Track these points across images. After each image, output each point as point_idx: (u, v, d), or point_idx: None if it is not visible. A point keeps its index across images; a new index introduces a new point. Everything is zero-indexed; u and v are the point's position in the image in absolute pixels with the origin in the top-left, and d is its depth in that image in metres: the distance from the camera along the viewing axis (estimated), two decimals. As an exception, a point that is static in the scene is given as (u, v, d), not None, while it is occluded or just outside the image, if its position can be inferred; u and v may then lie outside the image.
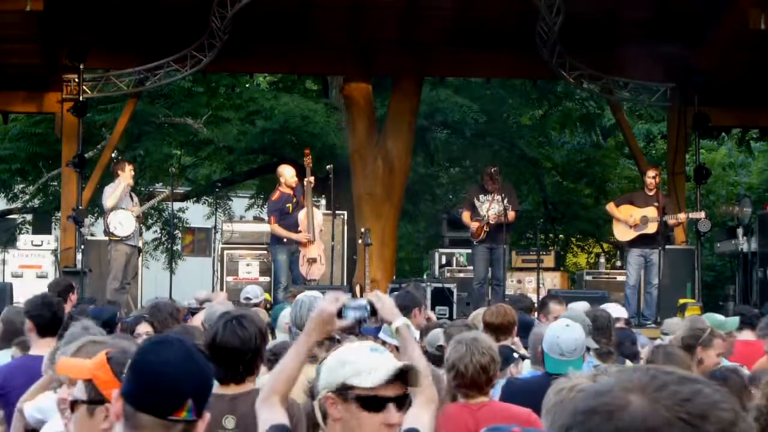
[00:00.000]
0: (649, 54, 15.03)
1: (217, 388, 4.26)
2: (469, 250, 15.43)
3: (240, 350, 4.22)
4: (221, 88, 20.65)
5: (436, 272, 16.19)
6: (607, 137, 24.64)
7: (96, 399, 2.69)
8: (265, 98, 20.47)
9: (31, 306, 6.25)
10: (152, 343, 2.57)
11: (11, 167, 20.30)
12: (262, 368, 4.66)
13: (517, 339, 6.88)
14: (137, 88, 14.99)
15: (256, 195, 23.83)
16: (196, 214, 22.84)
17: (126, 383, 2.44)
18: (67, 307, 9.13)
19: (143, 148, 20.50)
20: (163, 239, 22.64)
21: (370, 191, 15.89)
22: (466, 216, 13.91)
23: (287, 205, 13.64)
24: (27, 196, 21.68)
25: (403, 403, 2.91)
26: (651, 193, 13.54)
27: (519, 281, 15.39)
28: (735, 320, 7.91)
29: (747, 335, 8.15)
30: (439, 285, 13.72)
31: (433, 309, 12.82)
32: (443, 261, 16.35)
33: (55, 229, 17.92)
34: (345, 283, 14.50)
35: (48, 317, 6.13)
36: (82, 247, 13.45)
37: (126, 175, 13.45)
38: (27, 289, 13.43)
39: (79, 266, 13.40)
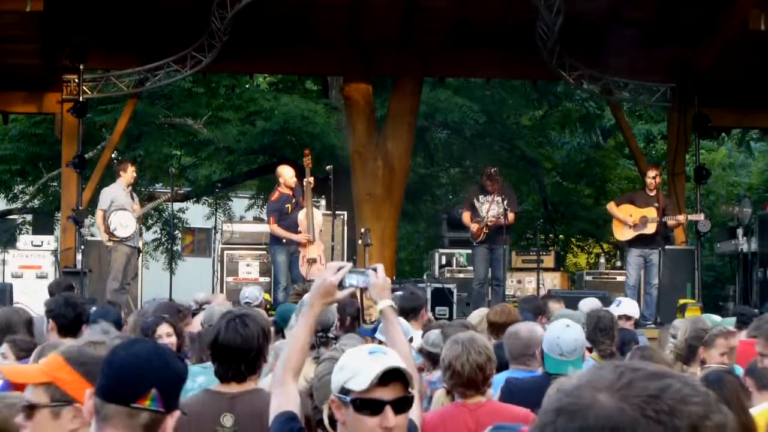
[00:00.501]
0: (649, 54, 15.05)
1: (218, 386, 4.27)
2: (469, 251, 15.44)
3: (242, 349, 4.23)
4: (221, 88, 20.66)
5: (436, 272, 16.20)
6: (607, 138, 24.65)
7: (62, 400, 2.66)
8: (265, 99, 20.47)
9: (54, 305, 6.22)
10: (125, 342, 2.64)
11: (11, 168, 20.30)
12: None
13: None
14: (137, 89, 14.99)
15: (256, 195, 23.84)
16: (196, 214, 22.85)
17: (99, 380, 2.51)
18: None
19: (143, 149, 20.50)
20: (163, 240, 22.64)
21: (370, 191, 15.89)
22: (466, 217, 13.91)
23: (286, 206, 13.63)
24: (27, 197, 21.69)
25: (402, 405, 2.89)
26: (652, 194, 13.54)
27: (519, 281, 15.41)
28: (731, 321, 7.91)
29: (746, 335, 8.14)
30: (439, 285, 13.73)
31: (432, 309, 12.85)
32: (443, 261, 16.36)
33: (56, 229, 17.92)
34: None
35: (72, 317, 6.11)
36: (82, 247, 13.45)
37: (126, 178, 13.46)
38: (27, 289, 13.47)
39: (79, 267, 13.41)
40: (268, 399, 3.68)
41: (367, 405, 2.85)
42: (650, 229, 13.36)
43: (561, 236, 24.92)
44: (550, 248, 18.72)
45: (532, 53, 14.14)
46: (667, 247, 13.71)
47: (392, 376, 2.86)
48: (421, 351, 6.46)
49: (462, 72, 17.80)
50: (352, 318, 7.60)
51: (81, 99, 13.85)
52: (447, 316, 12.97)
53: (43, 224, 17.80)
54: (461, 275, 15.44)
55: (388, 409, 2.85)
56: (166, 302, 8.34)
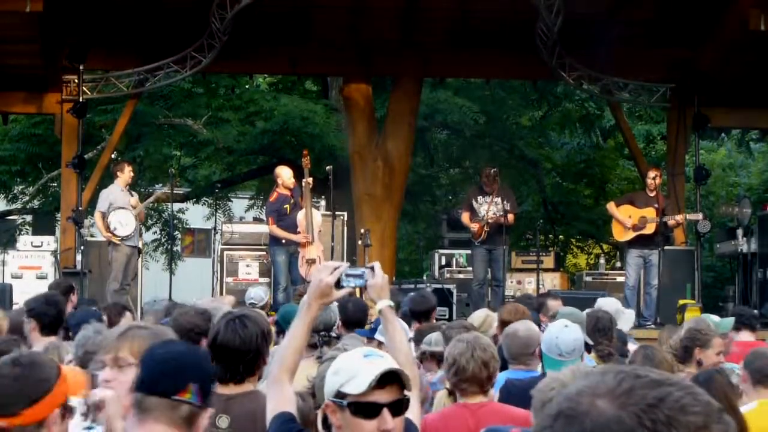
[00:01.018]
0: (649, 54, 15.05)
1: (215, 387, 4.26)
2: (469, 251, 15.45)
3: (240, 350, 4.21)
4: (221, 89, 20.66)
5: (436, 273, 16.20)
6: (607, 138, 24.64)
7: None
8: (265, 99, 20.47)
9: (35, 304, 6.23)
10: (162, 341, 2.83)
11: (11, 168, 20.31)
12: None
13: None
14: (137, 89, 14.99)
15: (256, 196, 23.84)
16: (195, 215, 22.84)
17: (137, 377, 2.65)
18: (68, 309, 9.12)
19: (143, 149, 20.50)
20: (163, 240, 22.65)
21: (370, 192, 15.89)
22: (465, 217, 13.90)
23: (285, 206, 13.63)
24: (27, 197, 21.68)
25: (399, 407, 2.88)
26: (652, 194, 13.53)
27: (519, 282, 15.40)
28: (730, 321, 7.91)
29: (746, 336, 8.15)
30: (439, 286, 13.72)
31: (432, 310, 12.81)
32: (443, 262, 16.36)
33: (56, 230, 17.92)
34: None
35: (52, 315, 6.12)
36: (82, 248, 13.45)
37: (124, 179, 13.46)
38: (27, 289, 13.46)
39: (78, 267, 13.41)
40: (264, 401, 3.67)
41: (364, 408, 2.83)
42: (649, 229, 13.35)
43: (561, 237, 24.92)
44: (550, 249, 18.72)
45: (532, 53, 14.13)
46: (666, 247, 13.71)
47: (389, 379, 2.85)
48: (423, 353, 6.45)
49: (462, 72, 17.80)
50: (357, 320, 7.58)
51: (81, 99, 13.85)
52: (447, 317, 12.96)
53: (42, 225, 17.80)
54: (461, 276, 15.44)
55: (386, 412, 2.83)
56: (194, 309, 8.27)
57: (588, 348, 6.39)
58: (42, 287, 13.13)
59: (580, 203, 23.60)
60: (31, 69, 14.37)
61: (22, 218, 21.58)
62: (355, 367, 2.86)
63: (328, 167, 14.28)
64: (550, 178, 24.23)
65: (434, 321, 8.21)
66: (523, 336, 5.81)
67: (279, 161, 19.07)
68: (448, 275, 15.70)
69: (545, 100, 22.99)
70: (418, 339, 6.73)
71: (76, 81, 14.04)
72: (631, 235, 13.48)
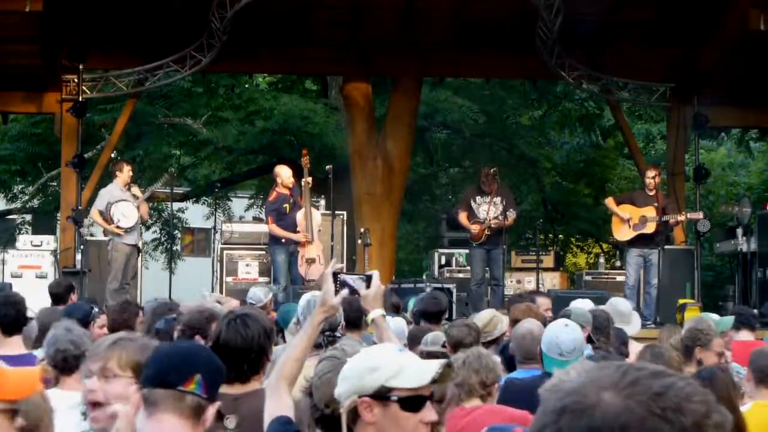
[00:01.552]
0: (649, 54, 15.05)
1: (221, 387, 4.27)
2: (468, 251, 15.44)
3: (243, 349, 4.22)
4: (221, 88, 20.65)
5: (436, 272, 16.19)
6: (607, 137, 24.64)
7: None
8: (265, 98, 20.48)
9: None
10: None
11: (11, 167, 20.32)
12: None
13: None
14: (137, 89, 14.99)
15: (256, 195, 23.85)
16: (195, 214, 22.85)
17: (144, 373, 2.75)
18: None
19: (143, 149, 20.51)
20: (163, 239, 22.66)
21: (370, 191, 15.90)
22: (462, 217, 13.87)
23: (284, 206, 13.64)
24: (26, 197, 21.69)
25: (433, 399, 2.92)
26: (651, 193, 13.53)
27: (518, 281, 15.39)
28: (730, 319, 7.91)
29: (745, 335, 8.15)
30: (438, 285, 13.72)
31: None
32: (442, 261, 16.36)
33: (56, 229, 17.93)
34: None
35: (13, 315, 6.14)
36: (82, 247, 13.45)
37: (123, 178, 13.46)
38: (26, 289, 13.47)
39: (78, 266, 13.41)
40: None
41: (414, 402, 2.82)
42: (649, 228, 13.35)
43: (560, 236, 24.92)
44: (550, 248, 18.71)
45: (531, 53, 14.13)
46: (666, 246, 13.70)
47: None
48: (421, 353, 6.44)
49: (462, 72, 17.79)
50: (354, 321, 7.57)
51: (80, 99, 13.85)
52: (446, 317, 12.94)
53: (42, 224, 17.80)
54: (461, 275, 15.44)
55: (429, 404, 2.84)
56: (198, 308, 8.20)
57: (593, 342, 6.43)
58: (42, 286, 13.12)
59: (579, 203, 23.59)
60: (31, 69, 14.37)
61: (22, 217, 21.59)
62: (399, 362, 2.83)
63: (327, 167, 14.29)
64: (550, 178, 24.23)
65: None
66: (538, 336, 5.79)
67: (279, 160, 19.07)
68: (447, 275, 15.70)
69: (545, 99, 22.99)
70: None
71: (76, 80, 14.03)
72: (631, 234, 13.48)
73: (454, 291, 13.79)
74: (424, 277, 17.04)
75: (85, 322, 7.03)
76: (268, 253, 14.22)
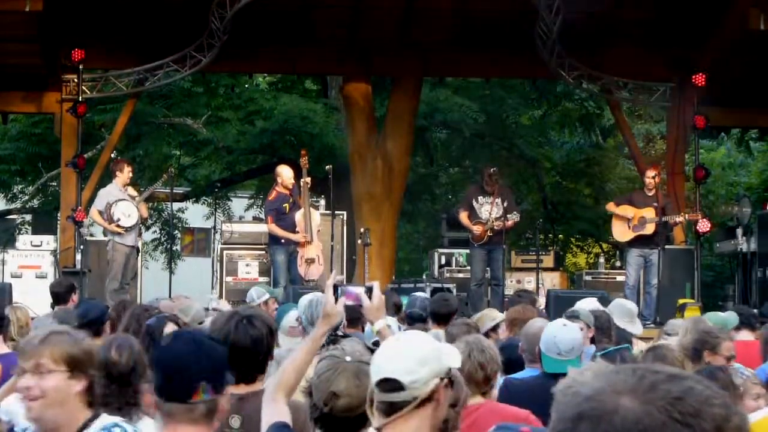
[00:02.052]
0: (649, 54, 15.05)
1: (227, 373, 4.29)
2: (468, 251, 15.43)
3: (252, 350, 4.21)
4: (220, 88, 20.65)
5: (435, 272, 16.18)
6: (607, 137, 24.64)
7: None
8: (265, 98, 20.47)
9: None
10: (169, 339, 2.99)
11: (11, 167, 20.32)
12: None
13: None
14: (137, 89, 14.98)
15: (256, 195, 23.85)
16: (195, 214, 22.85)
17: (154, 379, 2.87)
18: (69, 308, 9.11)
19: (143, 149, 20.51)
20: (163, 239, 22.66)
21: (370, 191, 15.90)
22: (463, 216, 13.88)
23: (284, 205, 13.65)
24: (26, 197, 21.69)
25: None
26: (650, 193, 13.53)
27: (518, 281, 15.38)
28: (735, 319, 7.91)
29: (745, 335, 8.15)
30: (438, 285, 13.72)
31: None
32: (442, 261, 16.35)
33: (56, 229, 17.94)
34: (345, 284, 14.46)
35: None
36: (82, 247, 13.45)
37: (122, 178, 13.46)
38: (26, 289, 13.46)
39: (78, 266, 13.41)
40: None
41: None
42: (648, 230, 13.35)
43: (560, 236, 24.91)
44: (550, 248, 18.70)
45: (531, 53, 14.13)
46: (666, 246, 13.71)
47: None
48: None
49: (461, 72, 17.79)
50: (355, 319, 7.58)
51: (80, 99, 13.85)
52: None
53: (42, 224, 17.79)
54: (461, 275, 15.44)
55: None
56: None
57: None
58: (42, 286, 13.13)
59: (579, 202, 23.59)
60: (31, 68, 14.37)
61: (22, 217, 21.59)
62: (443, 345, 3.02)
63: (327, 167, 14.29)
64: (550, 178, 24.23)
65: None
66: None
67: (279, 160, 19.07)
68: (447, 274, 15.69)
69: (545, 99, 22.97)
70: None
71: (76, 80, 14.03)
72: (631, 235, 13.48)
73: (455, 291, 13.78)
74: (424, 276, 17.03)
75: (101, 323, 7.00)
76: (268, 253, 14.22)
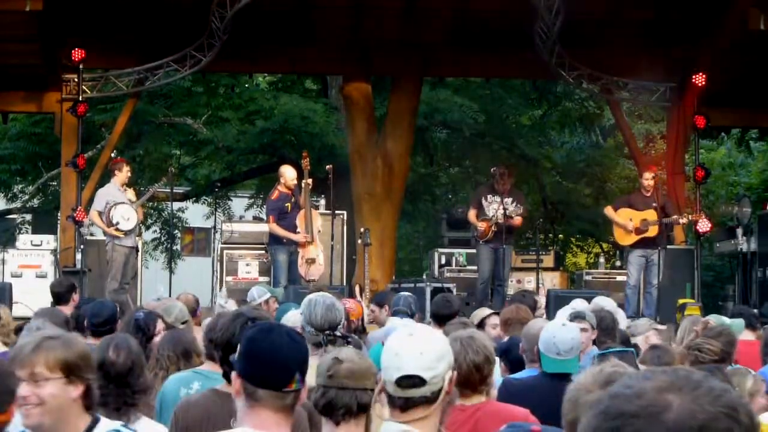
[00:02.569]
0: (649, 54, 15.04)
1: (227, 386, 4.28)
2: (469, 250, 15.43)
3: None
4: (221, 88, 20.65)
5: (436, 272, 16.17)
6: (607, 137, 24.64)
7: None
8: (265, 98, 20.47)
9: None
10: (259, 331, 3.07)
11: (11, 167, 20.32)
12: None
13: None
14: (137, 88, 14.99)
15: (256, 195, 23.85)
16: (195, 214, 22.85)
17: (243, 366, 2.96)
18: (70, 308, 9.11)
19: (143, 148, 20.52)
20: (163, 239, 22.66)
21: (370, 191, 15.89)
22: (472, 215, 13.89)
23: (286, 205, 13.66)
24: (26, 196, 21.69)
25: None
26: (648, 194, 13.53)
27: (519, 281, 15.38)
28: (740, 323, 7.90)
29: (746, 335, 8.15)
30: (439, 285, 13.72)
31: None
32: (443, 261, 16.34)
33: (56, 228, 17.95)
34: (344, 284, 14.50)
35: None
36: (82, 246, 13.45)
37: (121, 178, 13.45)
38: (27, 288, 13.47)
39: (78, 266, 13.41)
40: None
41: None
42: (651, 232, 13.36)
43: (560, 236, 24.91)
44: (550, 248, 18.69)
45: (531, 53, 14.13)
46: (667, 246, 13.71)
47: None
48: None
49: (462, 72, 17.79)
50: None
51: (80, 98, 13.84)
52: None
53: (42, 224, 17.80)
54: (461, 275, 15.43)
55: None
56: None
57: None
58: (42, 286, 13.13)
59: (579, 202, 23.58)
60: (31, 68, 14.37)
61: (22, 217, 21.60)
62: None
63: (327, 166, 14.30)
64: (550, 177, 24.22)
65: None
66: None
67: (279, 160, 19.09)
68: (447, 274, 15.68)
69: (545, 99, 22.98)
70: None
71: (76, 80, 14.03)
72: (634, 239, 13.49)
73: (455, 291, 13.78)
74: (424, 276, 17.03)
75: (114, 321, 6.98)
76: (269, 252, 14.22)
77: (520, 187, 22.37)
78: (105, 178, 14.59)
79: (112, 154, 14.95)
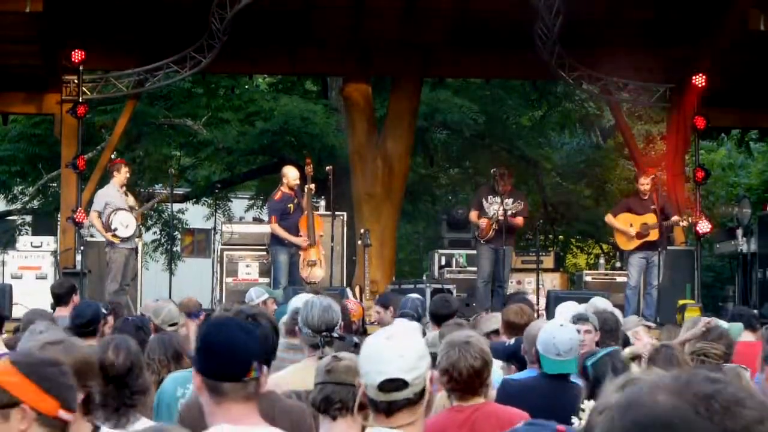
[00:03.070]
0: (649, 54, 15.04)
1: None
2: (469, 251, 15.41)
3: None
4: (221, 89, 20.66)
5: (436, 273, 16.17)
6: (607, 138, 24.64)
7: (10, 403, 2.74)
8: (265, 99, 20.48)
9: None
10: (212, 326, 3.23)
11: (11, 168, 20.32)
12: None
13: None
14: (137, 90, 14.98)
15: (256, 196, 23.86)
16: (195, 215, 22.85)
17: (201, 362, 3.07)
18: (69, 308, 9.10)
19: (143, 149, 20.52)
20: (163, 240, 22.66)
21: (370, 192, 15.89)
22: (473, 215, 13.89)
23: (288, 206, 13.67)
24: (26, 198, 21.69)
25: None
26: (646, 197, 13.53)
27: (518, 282, 15.37)
28: (739, 327, 7.89)
29: (746, 336, 8.14)
30: (439, 286, 13.71)
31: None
32: (443, 262, 16.32)
33: (56, 230, 17.95)
34: (345, 284, 14.50)
35: None
36: (82, 248, 13.44)
37: (120, 179, 13.46)
38: (27, 290, 13.46)
39: (78, 267, 13.40)
40: (279, 400, 3.84)
41: None
42: (653, 236, 13.36)
43: (560, 237, 24.91)
44: (550, 249, 18.71)
45: (532, 53, 14.13)
46: (667, 247, 13.71)
47: None
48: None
49: (462, 72, 17.79)
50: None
51: (80, 100, 13.84)
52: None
53: (42, 225, 17.79)
54: (461, 276, 15.42)
55: None
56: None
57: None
58: (41, 287, 13.14)
59: (579, 203, 23.58)
60: (31, 69, 14.37)
61: (22, 218, 21.59)
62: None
63: (327, 167, 14.31)
64: (550, 178, 24.22)
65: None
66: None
67: (279, 161, 19.09)
68: (447, 275, 15.67)
69: (545, 100, 22.98)
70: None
71: (76, 81, 14.03)
72: (636, 243, 13.50)
73: (454, 291, 13.77)
74: (424, 277, 17.02)
75: (96, 322, 6.99)
76: (269, 253, 14.22)
77: (520, 187, 22.45)
78: (105, 180, 14.59)
79: (112, 156, 14.96)
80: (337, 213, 14.99)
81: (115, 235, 13.09)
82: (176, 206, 20.11)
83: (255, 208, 23.56)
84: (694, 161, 14.95)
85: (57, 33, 14.22)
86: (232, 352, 3.06)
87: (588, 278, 15.76)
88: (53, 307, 10.06)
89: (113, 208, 13.15)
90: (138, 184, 19.80)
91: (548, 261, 15.88)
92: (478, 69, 16.72)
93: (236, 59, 15.18)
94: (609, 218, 14.02)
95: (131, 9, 14.54)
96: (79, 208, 13.53)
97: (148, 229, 21.51)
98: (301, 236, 13.55)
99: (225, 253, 15.01)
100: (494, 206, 13.67)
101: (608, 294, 12.82)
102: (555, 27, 13.46)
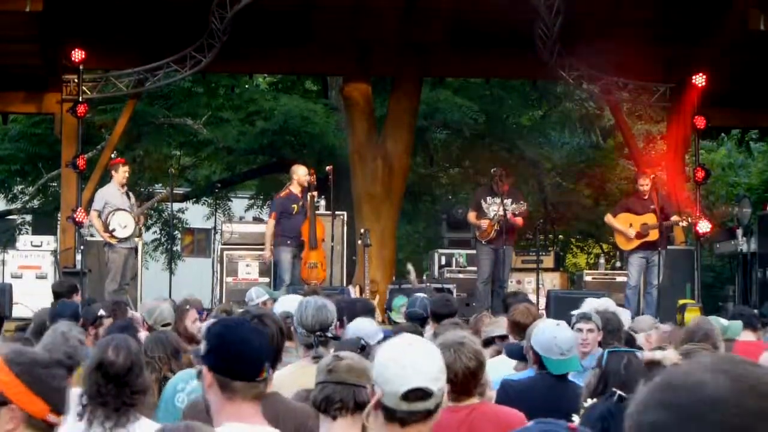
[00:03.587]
0: (649, 54, 15.04)
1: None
2: (469, 251, 15.41)
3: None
4: (221, 88, 20.66)
5: (436, 273, 16.18)
6: (607, 138, 24.63)
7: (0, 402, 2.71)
8: (265, 99, 20.48)
9: None
10: (226, 327, 3.32)
11: (11, 168, 20.32)
12: None
13: None
14: (137, 89, 14.98)
15: (256, 196, 23.87)
16: (195, 214, 22.85)
17: (215, 360, 3.15)
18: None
19: (143, 149, 20.53)
20: (163, 240, 22.67)
21: (370, 191, 15.89)
22: (472, 216, 13.89)
23: (293, 206, 13.69)
24: (27, 197, 21.70)
25: None
26: (645, 197, 13.53)
27: (518, 282, 15.38)
28: (738, 325, 7.90)
29: (747, 336, 8.14)
30: (439, 286, 13.71)
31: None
32: (443, 262, 16.34)
33: (56, 229, 17.95)
34: (345, 284, 14.50)
35: None
36: (82, 247, 13.44)
37: (119, 178, 13.46)
38: (27, 289, 13.47)
39: (78, 267, 13.40)
40: (283, 402, 3.88)
41: None
42: (652, 236, 13.36)
43: (560, 236, 24.90)
44: (550, 248, 18.68)
45: (531, 53, 14.13)
46: (667, 247, 13.71)
47: None
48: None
49: (462, 72, 17.79)
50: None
51: (80, 99, 13.84)
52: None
53: (42, 224, 17.81)
54: (461, 276, 15.43)
55: None
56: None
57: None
58: (41, 287, 13.15)
59: (579, 203, 23.58)
60: (31, 69, 14.38)
61: (22, 218, 21.61)
62: None
63: (327, 167, 14.32)
64: (550, 178, 24.22)
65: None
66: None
67: (279, 161, 19.11)
68: (448, 275, 15.68)
69: (545, 99, 22.99)
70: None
71: (76, 81, 14.03)
72: (636, 243, 13.49)
73: (455, 291, 13.78)
74: (424, 277, 17.02)
75: (75, 320, 7.00)
76: (272, 252, 14.22)
77: (520, 187, 22.46)
78: (105, 179, 14.60)
79: (113, 155, 14.96)
80: (337, 213, 15.00)
81: (112, 236, 13.09)
82: (176, 206, 20.12)
83: (255, 207, 23.57)
84: (694, 161, 14.95)
85: (57, 32, 14.22)
86: (248, 352, 3.18)
87: (588, 278, 15.77)
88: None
89: (112, 208, 13.15)
90: (138, 184, 19.80)
91: (548, 261, 15.88)
92: (478, 69, 16.73)
93: (236, 59, 15.18)
94: (609, 218, 14.01)
95: (131, 9, 14.54)
96: (79, 208, 13.52)
97: (148, 228, 21.51)
98: (302, 240, 13.61)
99: (225, 252, 15.02)
100: (493, 207, 13.66)
101: (608, 294, 12.84)
102: (555, 27, 13.46)
